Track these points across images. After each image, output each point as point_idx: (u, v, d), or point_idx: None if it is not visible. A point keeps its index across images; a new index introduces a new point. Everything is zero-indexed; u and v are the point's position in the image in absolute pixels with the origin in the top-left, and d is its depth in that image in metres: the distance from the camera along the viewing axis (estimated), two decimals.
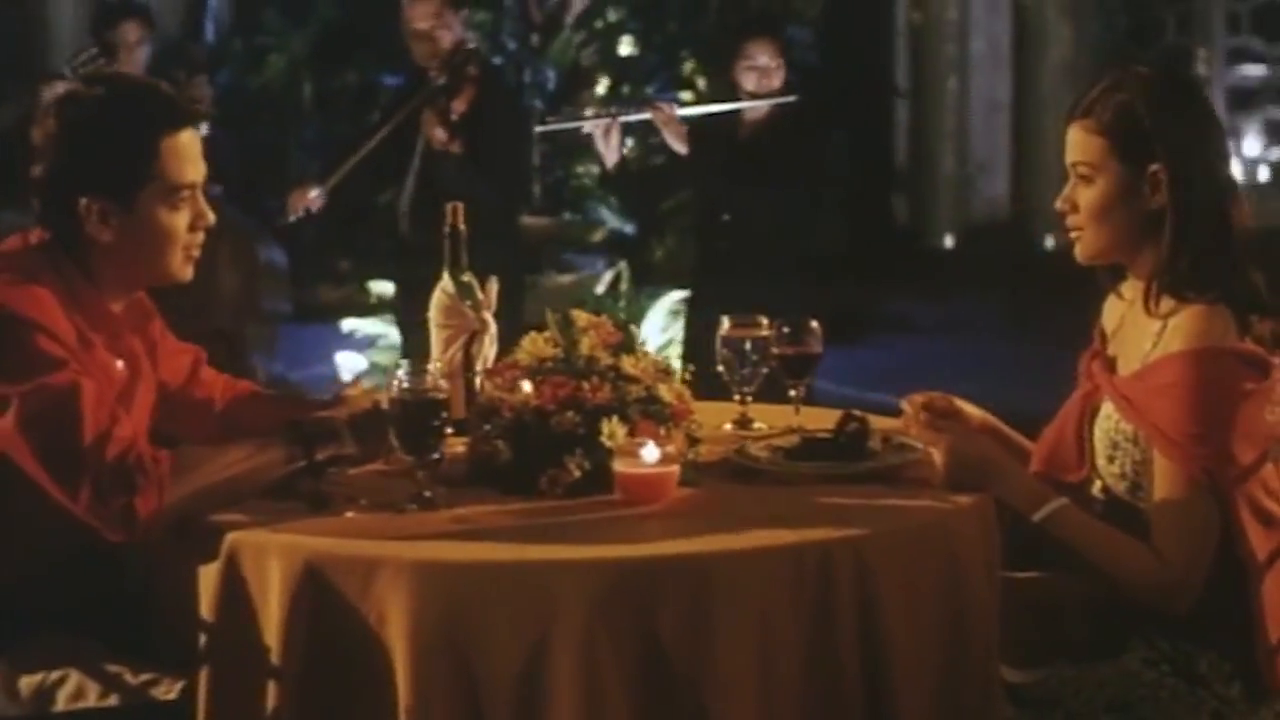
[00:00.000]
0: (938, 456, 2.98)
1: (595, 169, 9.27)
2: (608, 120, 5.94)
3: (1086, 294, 3.24)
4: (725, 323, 3.46)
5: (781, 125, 6.21)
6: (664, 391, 3.10)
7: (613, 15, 10.22)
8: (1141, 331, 3.05)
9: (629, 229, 9.45)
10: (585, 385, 3.03)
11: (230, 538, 2.79)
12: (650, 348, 9.42)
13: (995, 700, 2.87)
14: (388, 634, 2.65)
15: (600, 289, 8.90)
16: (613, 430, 2.99)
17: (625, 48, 10.34)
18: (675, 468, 2.94)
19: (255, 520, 2.84)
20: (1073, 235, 3.10)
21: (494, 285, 3.42)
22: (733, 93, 6.20)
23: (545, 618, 2.61)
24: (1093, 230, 3.07)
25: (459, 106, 6.50)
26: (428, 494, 2.92)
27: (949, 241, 13.04)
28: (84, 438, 2.85)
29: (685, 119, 6.00)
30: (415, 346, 7.38)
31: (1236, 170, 13.04)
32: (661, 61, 10.50)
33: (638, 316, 9.06)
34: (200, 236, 3.11)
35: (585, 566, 2.65)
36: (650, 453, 2.93)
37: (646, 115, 6.02)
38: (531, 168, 8.25)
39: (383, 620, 2.65)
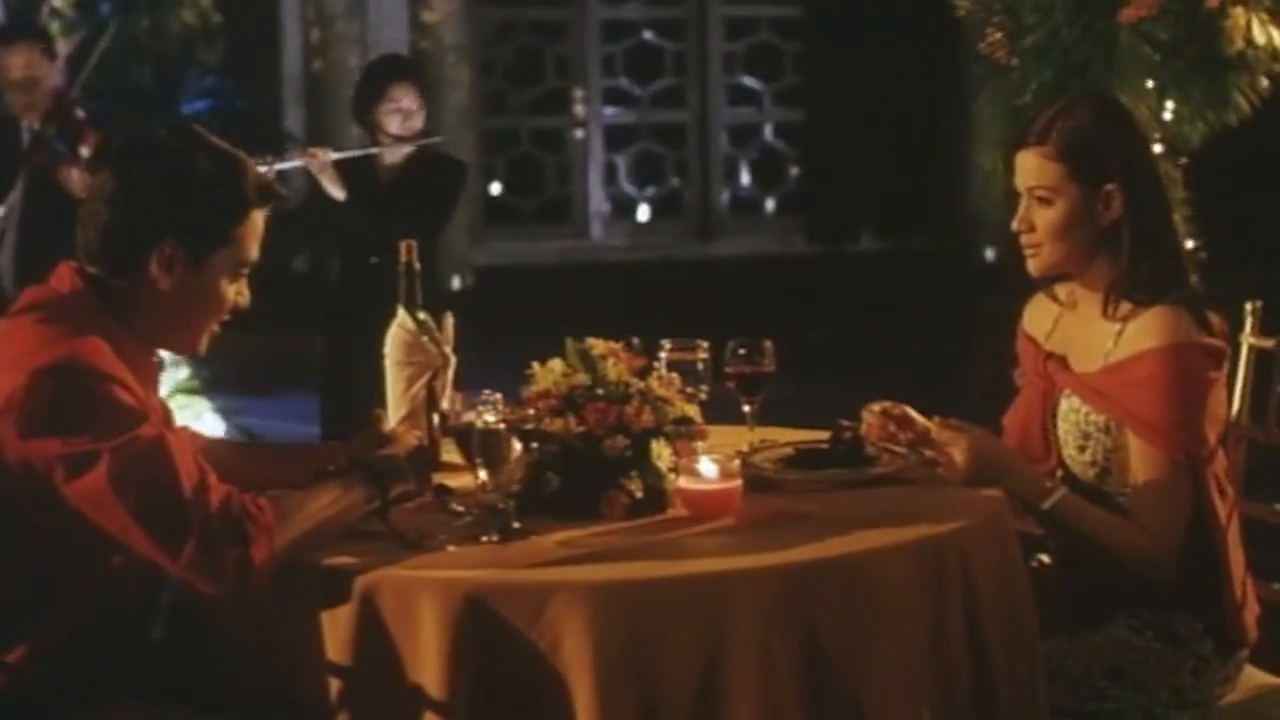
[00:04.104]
0: (958, 455, 3.19)
1: None
2: (265, 169, 5.83)
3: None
4: (666, 345, 3.56)
5: (424, 166, 6.26)
6: (690, 411, 3.22)
7: None
8: (1094, 332, 3.36)
9: None
10: (627, 409, 3.12)
11: (363, 579, 2.76)
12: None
13: (1040, 677, 3.10)
14: (562, 659, 2.68)
15: None
16: (660, 451, 3.09)
17: None
18: (739, 482, 3.06)
19: (367, 562, 2.81)
20: (1028, 252, 3.38)
21: (450, 320, 3.44)
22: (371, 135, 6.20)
23: (721, 628, 2.70)
24: (1050, 247, 3.36)
25: (87, 151, 6.30)
26: (516, 525, 2.94)
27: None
28: (183, 490, 2.76)
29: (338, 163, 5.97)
30: None
31: (610, 205, 13.76)
32: None
33: None
34: (227, 318, 3.05)
35: (756, 575, 2.76)
36: (711, 469, 3.04)
37: (300, 163, 5.96)
38: None
39: (557, 646, 2.68)
